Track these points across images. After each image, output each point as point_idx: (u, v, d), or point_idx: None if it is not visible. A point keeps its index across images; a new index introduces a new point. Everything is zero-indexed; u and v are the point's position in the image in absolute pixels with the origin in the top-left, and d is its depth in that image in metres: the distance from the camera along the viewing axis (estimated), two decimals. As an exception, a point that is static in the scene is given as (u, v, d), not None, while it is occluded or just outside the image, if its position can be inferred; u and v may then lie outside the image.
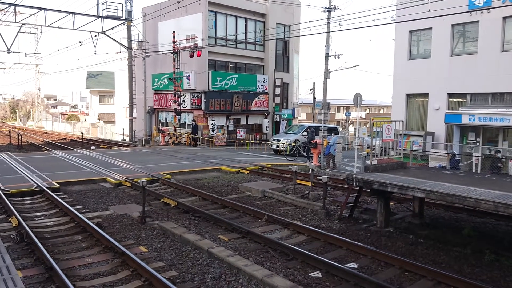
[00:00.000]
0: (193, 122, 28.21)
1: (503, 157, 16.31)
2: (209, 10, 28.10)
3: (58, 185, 13.08)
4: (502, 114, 17.11)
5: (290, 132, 25.94)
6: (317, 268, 7.12)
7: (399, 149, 13.85)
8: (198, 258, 7.52)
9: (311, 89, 42.76)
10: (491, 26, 18.45)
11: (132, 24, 30.63)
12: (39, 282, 6.43)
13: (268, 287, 6.26)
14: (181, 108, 28.77)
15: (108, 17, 28.59)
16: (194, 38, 27.96)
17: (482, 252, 7.85)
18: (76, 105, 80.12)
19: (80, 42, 30.89)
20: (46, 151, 23.95)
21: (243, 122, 30.95)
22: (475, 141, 18.58)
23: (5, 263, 5.92)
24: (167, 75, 29.46)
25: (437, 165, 16.81)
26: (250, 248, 8.11)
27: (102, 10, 28.20)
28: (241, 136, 30.14)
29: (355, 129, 21.63)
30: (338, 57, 30.47)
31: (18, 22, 29.60)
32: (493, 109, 17.99)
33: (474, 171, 16.60)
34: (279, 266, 7.22)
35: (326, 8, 29.40)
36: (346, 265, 7.24)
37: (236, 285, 6.46)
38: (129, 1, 29.66)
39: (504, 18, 18.17)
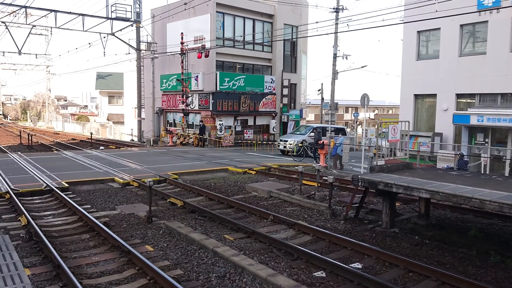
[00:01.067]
0: (200, 123, 28.35)
1: None
2: (217, 11, 28.24)
3: (67, 185, 13.25)
4: (511, 115, 16.97)
5: (297, 132, 25.94)
6: (321, 268, 7.15)
7: (406, 150, 13.82)
8: (203, 257, 7.59)
9: (319, 90, 42.67)
10: (500, 26, 18.32)
11: (140, 25, 30.89)
12: (47, 280, 6.54)
13: (271, 286, 6.31)
14: (189, 108, 28.94)
15: (117, 18, 28.87)
16: (202, 39, 28.11)
17: (488, 253, 7.82)
18: (86, 106, 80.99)
19: (89, 43, 31.17)
20: (55, 151, 24.23)
21: (250, 122, 31.02)
22: (483, 142, 18.44)
23: (13, 259, 6.06)
24: (175, 76, 29.65)
25: (445, 166, 16.72)
26: (255, 247, 8.16)
27: (111, 12, 28.51)
28: (248, 136, 30.21)
29: (363, 129, 21.57)
30: (346, 58, 30.42)
31: (29, 24, 30.02)
32: (502, 109, 17.86)
33: (482, 172, 16.49)
34: (283, 266, 7.26)
35: (334, 8, 29.38)
36: (350, 265, 7.26)
37: (240, 284, 6.51)
38: (138, 2, 29.91)
39: (514, 18, 18.03)
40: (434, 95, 21.02)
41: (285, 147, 24.18)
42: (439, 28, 20.34)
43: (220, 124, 28.50)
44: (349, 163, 20.24)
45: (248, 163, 19.22)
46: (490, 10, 18.35)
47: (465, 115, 18.58)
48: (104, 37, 29.86)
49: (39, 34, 48.90)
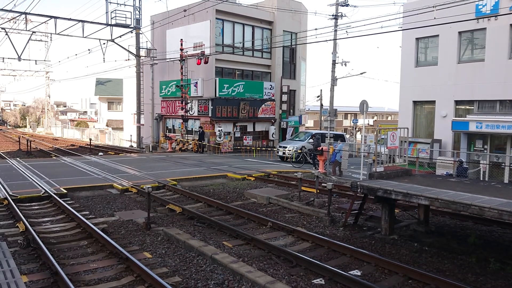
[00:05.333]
0: (200, 129, 28.34)
1: None
2: (216, 18, 28.34)
3: (65, 191, 13.21)
4: (510, 122, 16.98)
5: (296, 139, 25.94)
6: (320, 275, 7.12)
7: (405, 156, 13.81)
8: (201, 264, 7.55)
9: (318, 96, 42.76)
10: (499, 33, 18.39)
11: (140, 32, 30.97)
12: (44, 287, 6.50)
13: (270, 293, 6.27)
14: (188, 115, 28.95)
15: (117, 25, 28.94)
16: (202, 46, 28.20)
17: (487, 261, 7.79)
18: (85, 112, 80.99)
19: (89, 49, 31.24)
20: (54, 157, 24.19)
21: (250, 129, 31.03)
22: (482, 149, 18.45)
23: (10, 267, 6.02)
24: (175, 82, 29.70)
25: (445, 173, 16.72)
26: (253, 254, 8.13)
27: (111, 18, 28.57)
28: (247, 143, 30.20)
29: (362, 136, 21.59)
30: (345, 64, 30.42)
31: (28, 30, 30.10)
32: (500, 116, 17.88)
33: (481, 179, 16.48)
34: (282, 273, 7.22)
35: (333, 15, 29.45)
36: (349, 272, 7.23)
37: (238, 291, 6.48)
38: (138, 9, 30.01)
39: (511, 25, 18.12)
40: (433, 102, 21.05)
41: (284, 153, 24.17)
42: (437, 35, 20.41)
43: (219, 130, 28.51)
44: (348, 170, 20.23)
45: (247, 169, 19.20)
46: (488, 17, 18.43)
47: (464, 121, 18.59)
48: (104, 44, 29.93)
49: (39, 40, 49.16)
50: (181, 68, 28.18)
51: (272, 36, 31.53)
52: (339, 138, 25.33)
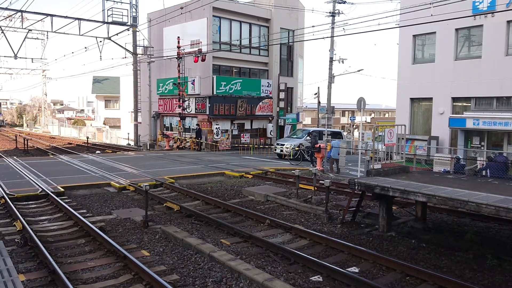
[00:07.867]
0: (197, 127, 28.31)
1: None
2: (213, 16, 28.27)
3: (62, 190, 13.17)
4: (506, 118, 17.05)
5: (294, 136, 25.94)
6: (318, 272, 7.12)
7: (403, 153, 13.83)
8: (199, 262, 7.54)
9: (316, 94, 42.79)
10: (495, 30, 18.44)
11: (137, 29, 30.86)
12: (41, 286, 6.48)
13: (268, 291, 6.26)
14: (186, 112, 28.90)
15: (113, 22, 28.83)
16: (199, 43, 28.13)
17: (484, 257, 7.82)
18: (82, 110, 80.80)
19: (85, 47, 31.17)
20: (51, 156, 24.11)
21: (247, 126, 31.01)
22: (479, 145, 18.50)
23: (6, 265, 6.01)
24: (172, 80, 29.63)
25: (442, 170, 16.74)
26: (251, 252, 8.13)
27: (108, 16, 28.46)
28: (245, 140, 30.19)
29: (359, 133, 21.60)
30: (342, 62, 30.51)
31: (25, 28, 29.93)
32: (497, 113, 17.93)
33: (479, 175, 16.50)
34: (280, 270, 7.22)
35: (330, 13, 29.47)
36: (347, 269, 7.23)
37: (236, 289, 6.47)
38: (134, 7, 29.90)
39: (508, 22, 18.16)
40: (430, 99, 21.09)
41: (282, 151, 24.16)
42: (434, 32, 20.44)
43: (216, 128, 28.48)
44: (346, 167, 20.24)
45: (245, 167, 19.19)
46: (485, 14, 18.46)
47: (461, 118, 18.64)
48: (101, 41, 29.82)
49: (35, 38, 49.00)
50: (178, 66, 28.12)
51: (269, 33, 31.49)
52: (337, 135, 25.33)
